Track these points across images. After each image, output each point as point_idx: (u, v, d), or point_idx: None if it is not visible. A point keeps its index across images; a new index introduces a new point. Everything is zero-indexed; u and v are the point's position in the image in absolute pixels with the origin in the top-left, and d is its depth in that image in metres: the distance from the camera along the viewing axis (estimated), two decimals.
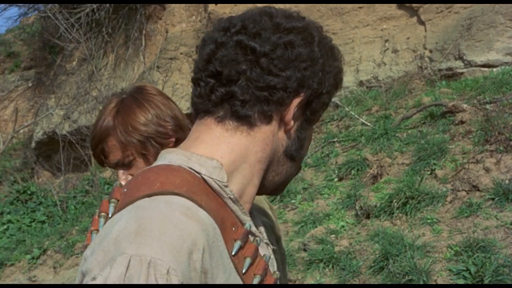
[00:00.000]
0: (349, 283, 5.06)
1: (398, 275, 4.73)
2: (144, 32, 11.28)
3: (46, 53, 15.15)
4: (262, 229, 1.47)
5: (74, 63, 12.69)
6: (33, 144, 13.68)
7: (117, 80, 11.35)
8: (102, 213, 1.33)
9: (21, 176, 12.97)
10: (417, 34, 8.56)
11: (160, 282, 1.09)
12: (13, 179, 12.92)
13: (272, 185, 1.41)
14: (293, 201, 6.72)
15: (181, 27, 10.67)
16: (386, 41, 8.84)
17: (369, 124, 7.49)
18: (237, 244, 1.27)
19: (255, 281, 1.28)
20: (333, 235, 5.77)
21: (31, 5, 13.78)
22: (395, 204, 5.63)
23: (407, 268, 4.72)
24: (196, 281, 1.15)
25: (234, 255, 1.25)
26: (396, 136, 6.99)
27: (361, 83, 8.79)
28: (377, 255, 5.09)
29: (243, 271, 1.26)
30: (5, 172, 13.80)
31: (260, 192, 1.42)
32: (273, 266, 1.38)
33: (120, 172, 2.07)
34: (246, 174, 1.35)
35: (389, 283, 4.74)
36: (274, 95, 1.31)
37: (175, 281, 1.11)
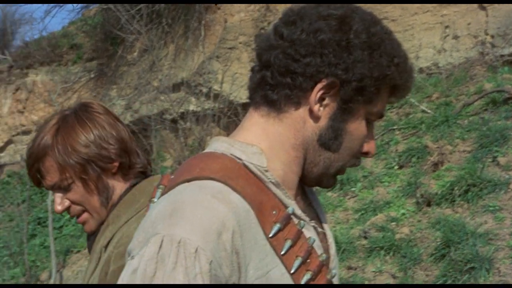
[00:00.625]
0: (410, 270, 5.07)
1: (460, 263, 4.72)
2: (203, 22, 11.38)
3: (108, 45, 15.42)
4: (324, 217, 1.52)
5: (135, 54, 12.90)
6: None
7: (177, 70, 11.50)
8: (161, 186, 1.49)
9: None
10: (478, 20, 8.44)
11: (189, 260, 1.19)
12: None
13: (313, 176, 1.43)
14: (353, 189, 6.73)
15: (240, 16, 10.74)
16: (447, 27, 8.74)
17: (429, 111, 7.44)
18: (276, 227, 1.32)
19: (296, 263, 1.33)
20: (394, 223, 5.77)
21: None
22: (457, 191, 5.60)
23: (469, 256, 4.70)
24: (227, 260, 1.22)
25: (271, 237, 1.31)
26: (457, 123, 6.93)
27: (421, 70, 8.71)
28: (439, 243, 5.09)
29: (282, 253, 1.32)
30: None
31: (305, 183, 1.46)
32: (320, 249, 1.42)
33: (57, 195, 1.90)
34: (284, 160, 1.39)
35: (450, 270, 4.73)
36: (296, 81, 1.34)
37: (203, 259, 1.19)
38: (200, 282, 1.20)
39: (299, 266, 1.35)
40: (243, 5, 10.71)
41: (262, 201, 1.33)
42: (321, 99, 1.36)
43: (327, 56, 1.33)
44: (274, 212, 1.34)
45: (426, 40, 8.83)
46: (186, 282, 1.18)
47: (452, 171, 6.09)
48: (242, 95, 10.16)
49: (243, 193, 1.30)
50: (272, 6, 9.81)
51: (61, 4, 14.84)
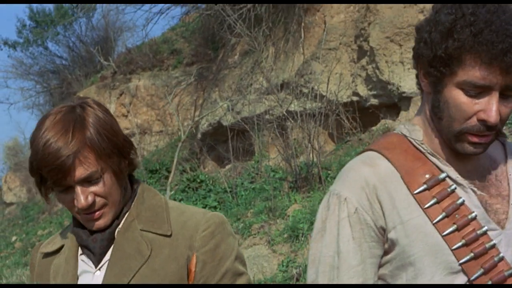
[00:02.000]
0: None
1: None
2: (302, 24, 11.65)
3: (207, 49, 15.92)
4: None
5: (236, 57, 13.29)
6: (199, 135, 14.47)
7: (278, 72, 11.80)
8: None
9: (189, 165, 13.78)
10: None
11: (340, 206, 1.71)
12: (182, 169, 13.74)
13: (448, 143, 1.71)
14: None
15: (339, 18, 10.95)
16: None
17: None
18: (422, 187, 1.68)
19: (440, 216, 1.66)
20: None
21: (194, 4, 14.54)
22: None
23: None
24: (368, 205, 1.69)
25: (416, 193, 1.67)
26: None
27: None
28: None
29: (425, 206, 1.66)
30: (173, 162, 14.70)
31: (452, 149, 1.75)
32: (477, 208, 1.68)
33: (81, 190, 1.78)
34: (430, 132, 1.75)
35: None
36: (415, 64, 1.74)
37: (350, 206, 1.69)
38: (346, 224, 1.69)
39: (443, 219, 1.66)
40: (342, 6, 10.92)
41: (414, 166, 1.70)
42: (424, 76, 1.71)
43: (421, 37, 1.69)
44: (427, 175, 1.69)
45: None
46: (337, 224, 1.71)
47: None
48: (343, 95, 10.37)
49: (392, 159, 1.72)
50: (372, 6, 9.98)
51: (162, 12, 15.38)
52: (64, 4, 21.23)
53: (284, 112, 9.72)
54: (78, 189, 1.77)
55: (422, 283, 1.65)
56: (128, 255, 1.83)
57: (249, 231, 7.71)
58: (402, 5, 9.65)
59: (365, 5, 10.25)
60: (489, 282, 1.65)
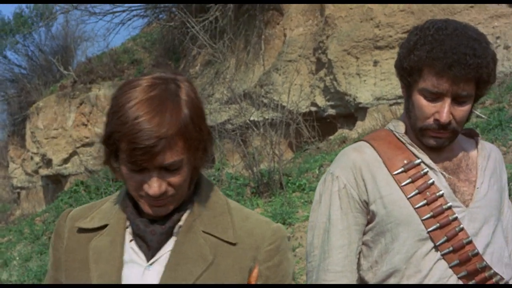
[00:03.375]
0: None
1: None
2: (263, 37, 12.02)
3: (168, 59, 16.16)
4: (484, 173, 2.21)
5: (197, 67, 13.58)
6: None
7: (239, 83, 12.12)
8: None
9: None
10: None
11: (333, 182, 2.15)
12: None
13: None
14: None
15: (299, 31, 11.34)
16: (498, 38, 9.24)
17: (484, 116, 7.95)
18: (400, 169, 2.12)
19: (413, 192, 2.08)
20: None
21: (156, 15, 14.78)
22: (511, 186, 6.11)
23: None
24: (354, 183, 2.12)
25: (395, 174, 2.11)
26: (510, 127, 7.43)
27: None
28: None
29: (402, 184, 2.10)
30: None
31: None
32: (441, 186, 2.11)
33: (155, 177, 1.63)
34: (409, 127, 2.17)
35: None
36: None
37: (341, 182, 2.13)
38: (337, 196, 2.13)
39: (415, 195, 2.09)
40: (302, 20, 11.32)
41: (395, 153, 2.14)
42: (401, 84, 2.16)
43: (397, 55, 2.16)
44: (405, 161, 2.13)
45: None
46: (329, 196, 2.15)
47: (507, 169, 6.59)
48: (302, 105, 10.74)
49: (377, 147, 2.16)
50: (330, 20, 10.39)
51: (124, 22, 15.59)
52: (23, 13, 21.25)
53: (248, 121, 10.04)
54: (155, 174, 1.62)
55: (397, 246, 2.08)
56: (190, 259, 1.70)
57: None
58: (359, 19, 10.09)
59: (323, 18, 10.66)
60: (451, 248, 2.04)
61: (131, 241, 1.74)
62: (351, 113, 10.37)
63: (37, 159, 17.34)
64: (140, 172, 1.62)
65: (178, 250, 1.70)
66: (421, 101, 2.07)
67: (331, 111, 10.63)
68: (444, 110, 2.04)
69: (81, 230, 1.78)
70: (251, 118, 10.86)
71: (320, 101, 10.68)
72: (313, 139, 10.53)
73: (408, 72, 2.09)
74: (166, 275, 1.68)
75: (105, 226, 1.77)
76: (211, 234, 1.72)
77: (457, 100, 2.04)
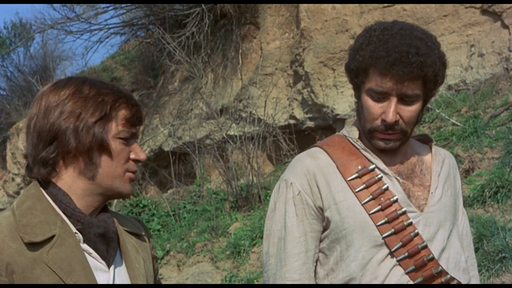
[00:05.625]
0: None
1: (492, 254, 5.23)
2: (240, 51, 12.02)
3: (147, 76, 16.14)
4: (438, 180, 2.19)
5: (176, 83, 13.56)
6: None
7: (217, 97, 12.11)
8: None
9: None
10: (501, 38, 8.96)
11: (287, 189, 2.10)
12: None
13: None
14: None
15: (275, 44, 11.36)
16: (472, 46, 9.28)
17: (459, 124, 7.96)
18: (354, 175, 2.08)
19: (368, 198, 2.06)
20: None
21: (133, 32, 14.75)
22: (487, 193, 6.12)
23: (500, 247, 5.21)
24: (309, 189, 2.08)
25: (349, 180, 2.07)
26: (485, 134, 7.45)
27: (449, 87, 9.24)
28: (473, 238, 5.59)
29: (356, 191, 2.07)
30: None
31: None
32: (399, 193, 2.08)
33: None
34: (362, 133, 2.14)
35: (484, 261, 5.24)
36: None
37: (295, 189, 2.10)
38: (291, 203, 2.08)
39: (370, 200, 2.05)
40: (278, 33, 11.33)
41: (349, 159, 2.10)
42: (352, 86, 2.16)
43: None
44: (359, 167, 2.09)
45: (453, 59, 9.36)
46: (284, 203, 2.09)
47: (482, 176, 6.60)
48: (280, 118, 10.74)
49: (331, 153, 2.11)
50: (306, 33, 10.41)
51: (101, 40, 15.54)
52: (1, 34, 21.16)
53: (225, 135, 10.03)
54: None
55: (353, 253, 2.04)
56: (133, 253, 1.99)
57: (193, 250, 7.97)
58: (334, 31, 10.11)
59: (299, 31, 10.68)
60: (406, 254, 2.02)
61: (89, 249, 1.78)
62: (329, 124, 10.36)
63: (18, 180, 17.19)
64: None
65: (125, 250, 1.86)
66: (368, 101, 2.05)
67: (310, 123, 10.62)
68: (390, 110, 2.02)
69: (31, 246, 1.66)
70: (230, 133, 10.85)
71: (299, 113, 10.67)
72: (292, 151, 10.50)
73: (355, 73, 2.07)
74: (130, 274, 1.83)
75: (52, 237, 1.70)
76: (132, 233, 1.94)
77: (404, 100, 2.02)
